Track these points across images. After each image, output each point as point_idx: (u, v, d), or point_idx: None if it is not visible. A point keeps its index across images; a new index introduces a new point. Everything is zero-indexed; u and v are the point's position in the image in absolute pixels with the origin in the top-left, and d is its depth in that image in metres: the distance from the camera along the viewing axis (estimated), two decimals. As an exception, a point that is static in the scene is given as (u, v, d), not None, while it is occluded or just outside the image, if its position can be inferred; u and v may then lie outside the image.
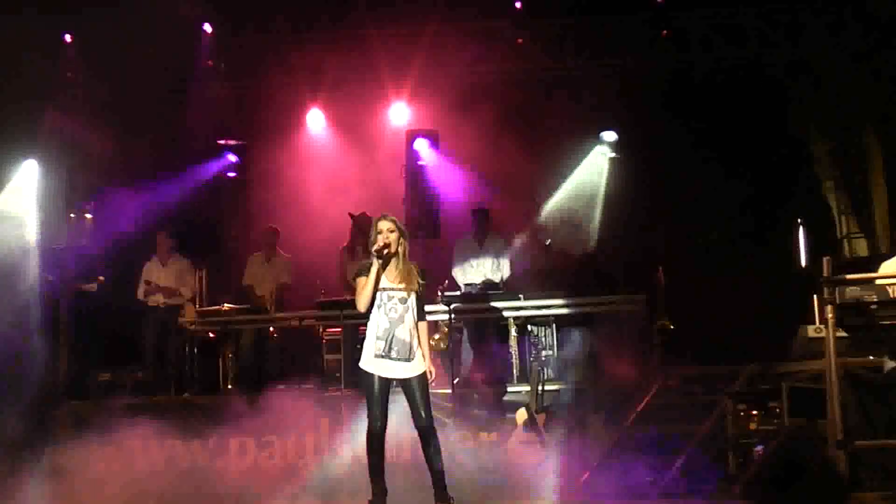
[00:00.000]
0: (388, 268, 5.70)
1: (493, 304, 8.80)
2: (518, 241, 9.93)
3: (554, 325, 8.74)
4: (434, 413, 5.78)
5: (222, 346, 9.27)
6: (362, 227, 8.67)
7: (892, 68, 9.16)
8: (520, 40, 10.49)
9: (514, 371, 8.56)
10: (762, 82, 9.94)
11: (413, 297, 5.72)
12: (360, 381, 5.78)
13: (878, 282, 5.95)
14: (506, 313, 8.72)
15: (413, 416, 5.69)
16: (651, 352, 8.26)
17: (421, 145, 10.16)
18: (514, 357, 8.60)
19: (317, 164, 10.92)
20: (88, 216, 10.03)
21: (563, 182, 10.56)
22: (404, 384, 5.69)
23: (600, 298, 8.76)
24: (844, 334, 6.10)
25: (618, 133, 10.45)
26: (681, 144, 9.80)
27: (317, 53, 10.50)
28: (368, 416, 5.65)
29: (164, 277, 9.47)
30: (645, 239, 9.67)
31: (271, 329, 9.52)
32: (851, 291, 5.91)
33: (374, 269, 5.61)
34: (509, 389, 8.20)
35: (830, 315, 5.81)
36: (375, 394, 5.63)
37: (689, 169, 9.77)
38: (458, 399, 8.00)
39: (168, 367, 9.30)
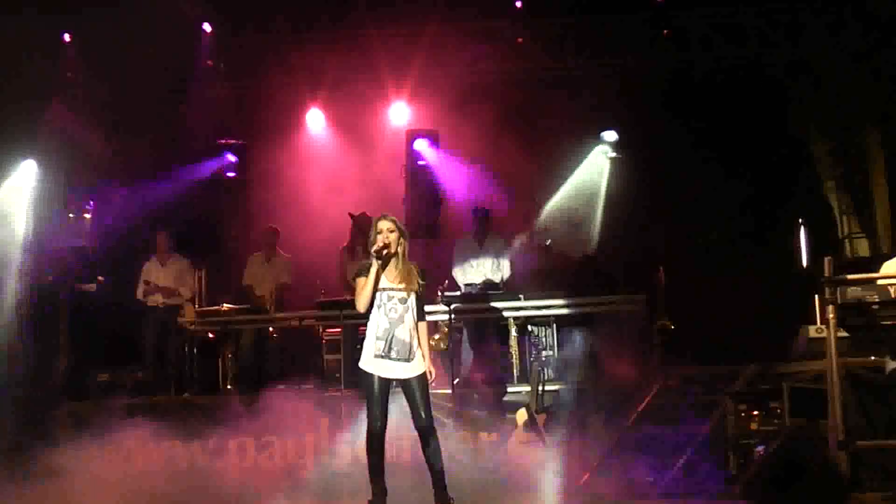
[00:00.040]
0: (387, 268, 5.69)
1: (493, 304, 8.79)
2: (518, 242, 9.90)
3: (554, 326, 8.73)
4: (434, 413, 5.77)
5: (222, 347, 9.25)
6: (362, 227, 8.66)
7: (892, 68, 9.15)
8: (520, 39, 10.49)
9: (515, 371, 8.54)
10: (762, 82, 9.93)
11: (413, 297, 5.71)
12: (360, 382, 5.77)
13: (879, 282, 5.95)
14: (506, 313, 8.71)
15: (413, 417, 5.68)
16: (651, 352, 8.25)
17: (421, 145, 10.16)
18: (514, 357, 8.59)
19: (317, 164, 10.91)
20: (87, 216, 10.02)
21: (564, 182, 10.54)
22: (404, 384, 5.68)
23: (600, 298, 8.75)
24: (846, 334, 6.10)
25: (618, 133, 10.44)
26: (681, 144, 9.79)
27: (317, 53, 10.49)
28: (368, 417, 5.64)
29: (164, 277, 9.46)
30: (645, 239, 9.65)
31: (271, 329, 9.50)
32: (853, 291, 5.91)
33: (373, 270, 5.60)
34: (509, 390, 8.20)
35: (832, 315, 5.81)
36: (375, 394, 5.62)
37: (690, 168, 9.76)
38: (458, 399, 7.99)
39: (168, 367, 9.29)
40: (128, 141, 10.13)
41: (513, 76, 10.60)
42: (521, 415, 7.40)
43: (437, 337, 8.73)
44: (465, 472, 6.61)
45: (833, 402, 5.78)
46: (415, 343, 5.68)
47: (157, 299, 9.40)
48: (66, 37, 10.14)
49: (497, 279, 9.33)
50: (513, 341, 8.64)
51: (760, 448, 6.21)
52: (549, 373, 8.24)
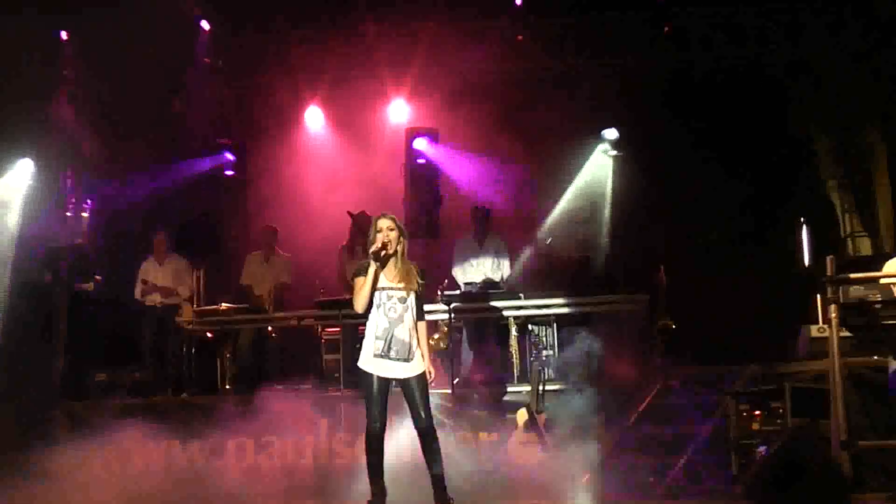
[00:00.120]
0: (387, 267, 5.67)
1: (494, 303, 8.77)
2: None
3: (555, 325, 8.70)
4: (434, 413, 5.75)
5: (221, 346, 9.22)
6: (362, 226, 8.62)
7: (892, 67, 9.13)
8: (520, 38, 10.46)
9: (515, 371, 8.52)
10: (762, 82, 9.91)
11: (412, 296, 5.69)
12: (360, 381, 5.75)
13: (881, 281, 5.92)
14: (506, 313, 8.68)
15: (412, 417, 5.66)
16: (652, 352, 8.23)
17: (421, 143, 10.13)
18: (514, 357, 8.56)
19: (316, 163, 10.89)
20: (85, 214, 10.00)
21: (564, 181, 10.51)
22: (403, 384, 5.66)
23: (601, 298, 8.74)
24: (848, 334, 6.07)
25: (618, 132, 10.41)
26: (681, 144, 9.77)
27: (316, 51, 10.48)
28: (367, 417, 5.62)
29: (161, 277, 9.44)
30: (645, 238, 9.63)
31: (270, 329, 9.47)
32: (855, 291, 5.88)
33: (371, 270, 5.57)
34: (509, 389, 8.17)
35: (834, 315, 5.79)
36: (374, 394, 5.60)
37: (690, 168, 9.74)
38: (458, 399, 7.96)
39: (166, 367, 9.28)
40: (126, 139, 10.12)
41: (513, 76, 10.58)
42: (522, 415, 7.37)
43: (436, 336, 8.72)
44: (465, 473, 6.59)
45: (835, 403, 5.76)
46: (414, 343, 5.66)
47: (155, 299, 9.39)
48: (64, 35, 10.09)
49: (497, 278, 9.31)
50: (513, 341, 8.60)
51: (762, 448, 6.18)
52: (549, 373, 8.21)
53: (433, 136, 10.13)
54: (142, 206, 10.24)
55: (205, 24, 10.52)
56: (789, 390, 6.27)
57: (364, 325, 5.80)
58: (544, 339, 8.73)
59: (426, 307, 6.02)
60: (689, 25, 10.17)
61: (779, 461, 5.40)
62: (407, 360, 5.62)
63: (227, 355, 9.17)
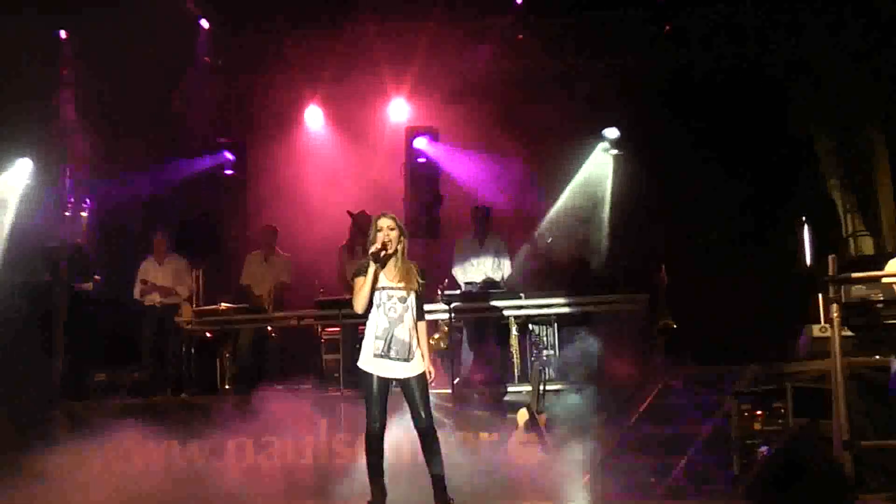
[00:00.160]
0: (387, 266, 5.66)
1: (494, 303, 8.75)
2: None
3: (555, 325, 8.68)
4: (434, 413, 5.74)
5: (220, 346, 9.21)
6: (362, 225, 8.60)
7: (892, 67, 9.11)
8: (520, 37, 10.45)
9: (515, 371, 8.50)
10: (763, 81, 9.89)
11: (413, 296, 5.67)
12: (359, 381, 5.74)
13: (883, 280, 5.91)
14: (506, 312, 8.66)
15: (413, 417, 5.64)
16: (652, 351, 8.21)
17: (421, 142, 10.11)
18: (514, 357, 8.54)
19: (315, 162, 10.88)
20: (84, 214, 9.98)
21: (565, 180, 10.50)
22: (403, 384, 5.64)
23: (601, 298, 8.72)
24: (850, 333, 6.06)
25: (618, 131, 10.40)
26: (681, 143, 9.75)
27: (315, 50, 10.46)
28: (367, 417, 5.60)
29: (161, 277, 9.43)
30: (646, 238, 9.62)
31: (269, 329, 9.45)
32: (857, 290, 5.88)
33: (370, 271, 5.56)
34: (510, 389, 8.15)
35: (836, 314, 5.77)
36: (374, 394, 5.58)
37: (690, 168, 9.72)
38: (459, 399, 7.95)
39: (166, 367, 9.26)
40: (125, 139, 10.09)
41: (513, 75, 10.57)
42: (522, 415, 7.35)
43: (436, 336, 8.70)
44: (465, 473, 6.56)
45: (837, 403, 5.75)
46: (414, 343, 5.64)
47: (155, 299, 9.37)
48: (63, 34, 10.08)
49: (498, 277, 9.29)
50: (514, 341, 8.59)
51: (764, 448, 6.17)
52: (550, 373, 8.19)
53: (433, 135, 10.12)
54: (141, 206, 10.23)
55: (204, 24, 10.49)
56: (791, 390, 6.25)
57: (364, 324, 5.78)
58: (545, 338, 8.71)
59: (426, 307, 5.99)
60: (689, 25, 10.14)
61: (780, 461, 5.40)
62: (407, 359, 5.60)
63: (227, 355, 9.16)
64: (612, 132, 10.35)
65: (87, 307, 9.46)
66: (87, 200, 10.02)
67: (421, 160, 10.10)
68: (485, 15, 10.37)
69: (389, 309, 5.61)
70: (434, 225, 9.95)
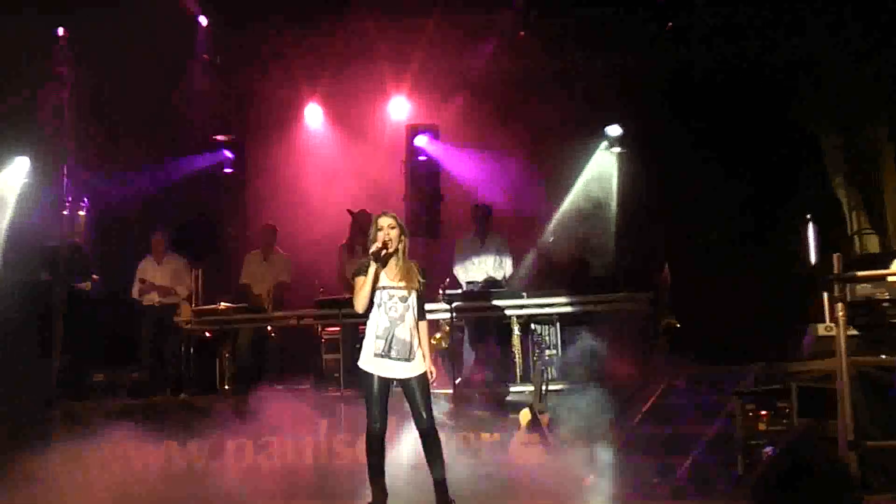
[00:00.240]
0: (388, 266, 5.62)
1: (496, 302, 8.71)
2: (520, 241, 9.84)
3: (557, 324, 8.64)
4: (435, 414, 5.69)
5: (220, 346, 9.17)
6: (362, 224, 8.57)
7: (892, 67, 9.06)
8: (521, 34, 10.40)
9: (517, 371, 8.46)
10: (765, 79, 9.85)
11: (414, 295, 5.64)
12: (360, 381, 5.70)
13: (889, 279, 5.86)
14: (508, 312, 8.62)
15: (414, 418, 5.61)
16: (655, 351, 8.17)
17: (421, 140, 10.07)
18: (516, 357, 8.50)
19: (315, 160, 10.86)
20: (82, 213, 9.93)
21: (566, 179, 10.45)
22: (404, 384, 5.61)
23: (604, 297, 8.68)
24: (855, 333, 6.01)
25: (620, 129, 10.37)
26: (683, 142, 9.71)
27: (315, 47, 10.42)
28: (368, 417, 5.57)
29: (160, 276, 9.40)
30: (648, 238, 9.58)
31: (269, 328, 9.41)
32: (862, 289, 5.83)
33: (371, 270, 5.52)
34: (512, 389, 8.12)
35: (841, 313, 5.72)
36: (375, 394, 5.55)
37: (691, 167, 9.68)
38: (460, 399, 7.91)
39: (165, 367, 9.23)
40: (124, 137, 10.05)
41: (513, 74, 10.53)
42: (524, 415, 7.31)
43: (438, 336, 8.68)
44: (467, 474, 6.53)
45: (843, 402, 5.71)
46: (415, 342, 5.61)
47: (153, 298, 9.34)
48: (62, 32, 10.02)
49: (499, 276, 9.25)
50: (516, 340, 8.55)
51: (768, 448, 6.11)
52: (552, 372, 8.15)
53: (434, 133, 10.07)
54: (140, 205, 10.20)
55: (203, 21, 10.44)
56: (796, 390, 6.19)
57: (364, 324, 5.75)
58: (547, 338, 8.66)
59: (427, 306, 5.95)
60: (690, 23, 10.09)
61: (785, 462, 5.34)
62: (408, 359, 5.57)
63: (227, 355, 9.12)
64: (614, 129, 10.30)
65: (85, 307, 9.43)
66: (86, 199, 9.97)
67: (421, 158, 10.05)
68: (485, 13, 10.31)
69: (390, 308, 5.57)
70: (434, 224, 9.91)
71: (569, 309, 8.60)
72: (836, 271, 5.76)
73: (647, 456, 6.77)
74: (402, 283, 5.60)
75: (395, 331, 5.55)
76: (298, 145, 10.97)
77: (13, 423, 8.06)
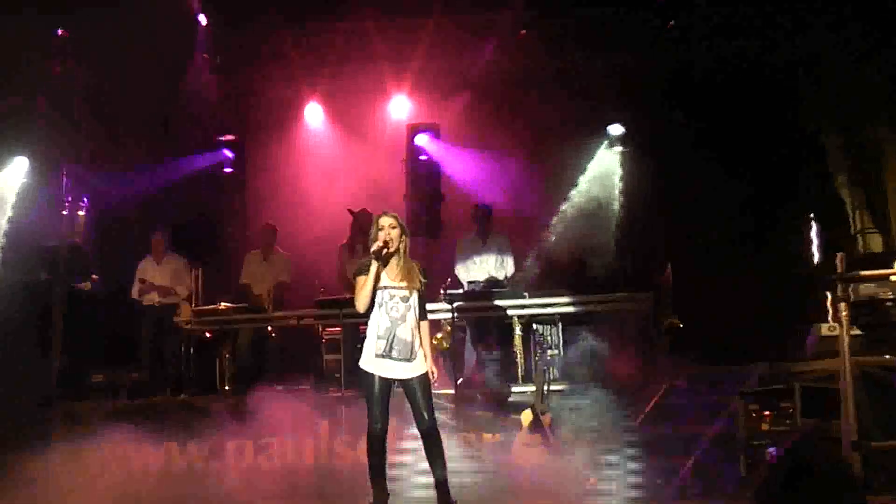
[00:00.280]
0: (388, 265, 5.61)
1: (497, 302, 8.68)
2: (521, 241, 9.81)
3: (559, 324, 8.62)
4: (436, 414, 5.68)
5: (220, 346, 9.15)
6: (363, 224, 8.55)
7: (892, 67, 9.04)
8: (522, 32, 10.38)
9: (519, 371, 8.43)
10: (766, 79, 9.83)
11: (415, 295, 5.63)
12: (361, 382, 5.68)
13: (893, 278, 5.83)
14: (510, 312, 8.60)
15: (415, 418, 5.60)
16: (657, 351, 8.14)
17: (422, 140, 10.05)
18: (518, 357, 8.47)
19: (315, 160, 10.84)
20: (82, 213, 9.91)
21: (567, 178, 10.42)
22: (405, 385, 5.59)
23: (605, 297, 8.66)
24: (859, 332, 5.99)
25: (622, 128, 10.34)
26: (684, 142, 9.69)
27: (315, 46, 10.41)
28: (369, 417, 5.55)
29: (160, 276, 9.38)
30: (648, 237, 9.55)
31: (269, 328, 9.38)
32: (865, 288, 5.81)
33: (372, 270, 5.50)
34: (514, 390, 8.09)
35: (844, 313, 5.70)
36: (376, 394, 5.53)
37: (692, 167, 9.66)
38: (462, 400, 7.89)
39: (165, 367, 9.21)
40: (123, 136, 10.03)
41: (514, 75, 10.52)
42: (526, 415, 7.29)
43: (439, 336, 8.65)
44: (469, 474, 6.52)
45: (846, 402, 5.68)
46: (416, 342, 5.59)
47: (153, 298, 9.32)
48: (61, 32, 10.00)
49: (501, 276, 9.22)
50: (517, 340, 8.52)
51: (771, 449, 6.09)
52: (554, 372, 8.13)
53: (435, 132, 10.05)
54: (139, 205, 10.18)
55: (203, 20, 10.41)
56: (799, 390, 6.17)
57: (365, 324, 5.73)
58: (549, 338, 8.64)
59: (429, 306, 5.93)
60: (690, 23, 10.07)
61: (788, 462, 5.31)
62: (409, 360, 5.55)
63: (227, 355, 9.10)
64: (616, 128, 10.27)
65: (85, 307, 9.42)
66: (85, 199, 9.95)
67: (422, 158, 10.03)
68: (486, 12, 10.29)
69: (392, 308, 5.55)
70: (435, 223, 9.88)
71: (571, 309, 8.59)
72: (839, 271, 5.74)
73: (650, 456, 6.73)
74: (404, 283, 5.58)
75: (396, 331, 5.53)
76: (298, 145, 10.95)
77: (13, 423, 8.04)
